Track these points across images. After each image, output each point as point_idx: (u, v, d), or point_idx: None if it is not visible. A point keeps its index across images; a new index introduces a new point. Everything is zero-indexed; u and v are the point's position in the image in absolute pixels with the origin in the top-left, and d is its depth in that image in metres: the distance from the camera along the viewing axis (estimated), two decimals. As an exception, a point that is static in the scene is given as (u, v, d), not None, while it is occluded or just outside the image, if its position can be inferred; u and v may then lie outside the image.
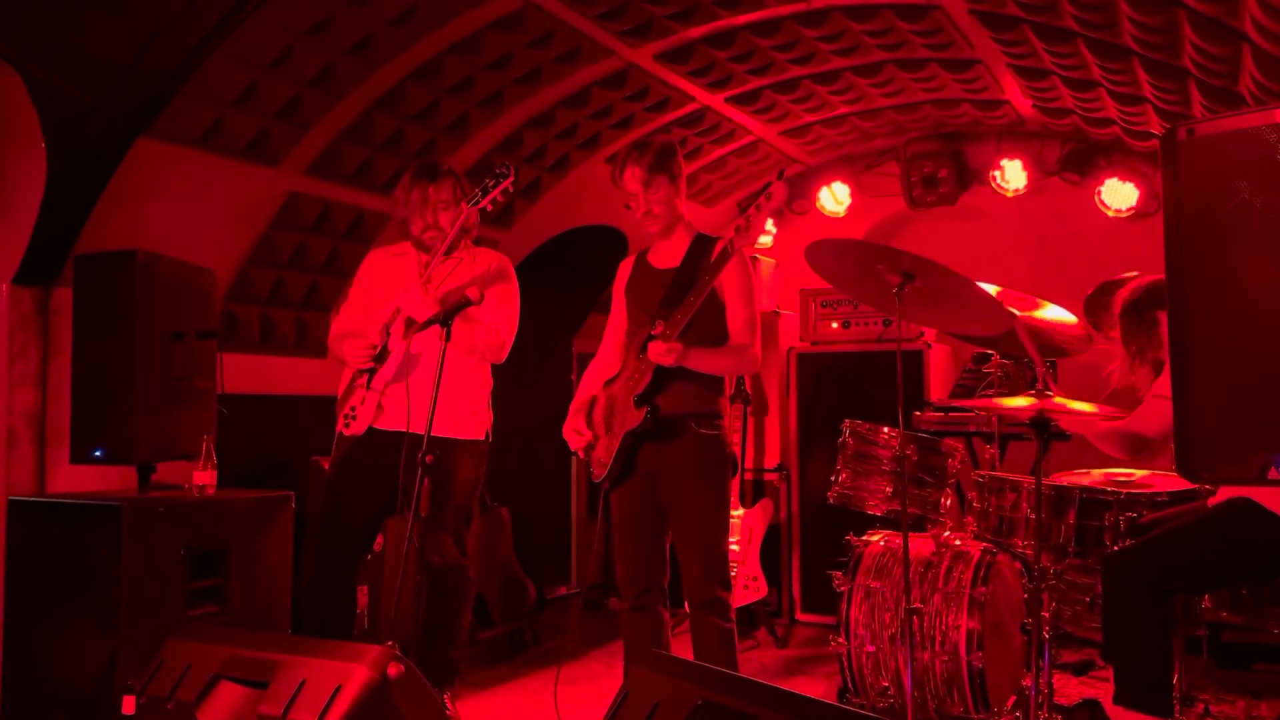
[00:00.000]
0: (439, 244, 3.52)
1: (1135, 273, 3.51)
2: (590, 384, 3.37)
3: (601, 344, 3.46)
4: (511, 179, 3.42)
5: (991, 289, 3.14)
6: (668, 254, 3.29)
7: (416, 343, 3.47)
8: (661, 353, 2.99)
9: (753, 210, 2.94)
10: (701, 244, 3.23)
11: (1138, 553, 2.94)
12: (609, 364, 3.36)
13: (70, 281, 3.54)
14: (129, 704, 2.49)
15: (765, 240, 6.58)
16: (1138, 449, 3.24)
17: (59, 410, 3.62)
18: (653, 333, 3.01)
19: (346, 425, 3.59)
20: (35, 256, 3.56)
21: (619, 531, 3.26)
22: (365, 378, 3.57)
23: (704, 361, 3.09)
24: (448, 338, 3.15)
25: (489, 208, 3.47)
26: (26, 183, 3.44)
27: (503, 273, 3.65)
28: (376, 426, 3.53)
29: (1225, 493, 2.89)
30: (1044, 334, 3.50)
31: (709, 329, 3.12)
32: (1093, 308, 3.76)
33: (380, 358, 3.54)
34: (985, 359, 4.55)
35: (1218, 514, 2.90)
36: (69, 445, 3.50)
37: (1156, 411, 3.12)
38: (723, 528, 3.19)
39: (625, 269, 3.42)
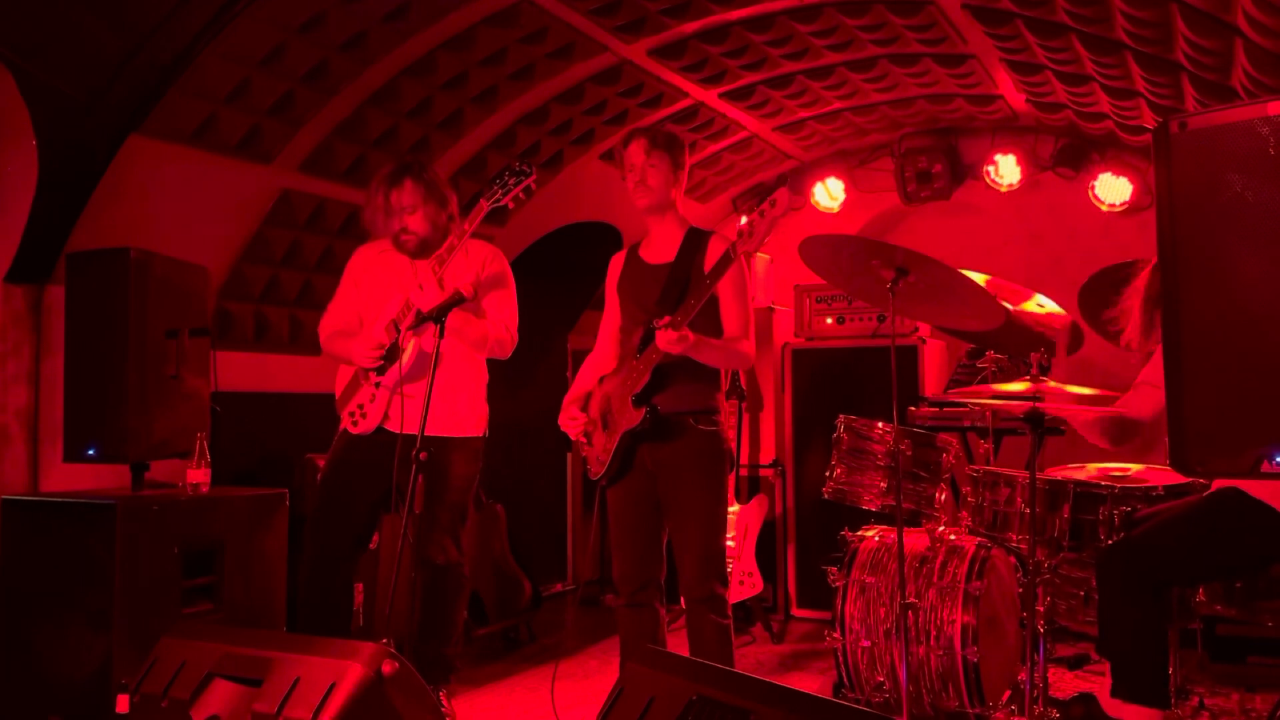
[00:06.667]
0: (431, 244, 3.52)
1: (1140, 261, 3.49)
2: (586, 379, 3.37)
3: (597, 340, 3.45)
4: (533, 177, 3.41)
5: (980, 278, 3.14)
6: (661, 248, 3.28)
7: (431, 342, 3.43)
8: (672, 340, 2.92)
9: (755, 217, 2.93)
10: (694, 239, 3.22)
11: (1130, 545, 2.95)
12: (605, 359, 3.36)
13: (63, 279, 3.53)
14: (123, 702, 2.49)
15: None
16: (1125, 436, 3.24)
17: (52, 408, 3.61)
18: (657, 324, 2.96)
19: (354, 423, 3.57)
20: (27, 254, 3.55)
21: (615, 528, 3.26)
22: (373, 375, 3.55)
23: (706, 353, 3.09)
24: (441, 334, 3.15)
25: (510, 205, 3.45)
26: (18, 180, 3.42)
27: (501, 271, 3.64)
28: (386, 427, 3.51)
29: (1219, 485, 2.90)
30: (1036, 328, 3.51)
31: (703, 325, 3.11)
32: (1093, 298, 3.74)
33: (390, 355, 3.51)
34: (979, 354, 4.56)
35: (1207, 505, 2.91)
36: (62, 444, 3.49)
37: (1145, 399, 3.12)
38: (720, 524, 3.19)
39: (616, 264, 3.41)
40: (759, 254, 5.84)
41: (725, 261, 2.98)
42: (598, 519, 3.26)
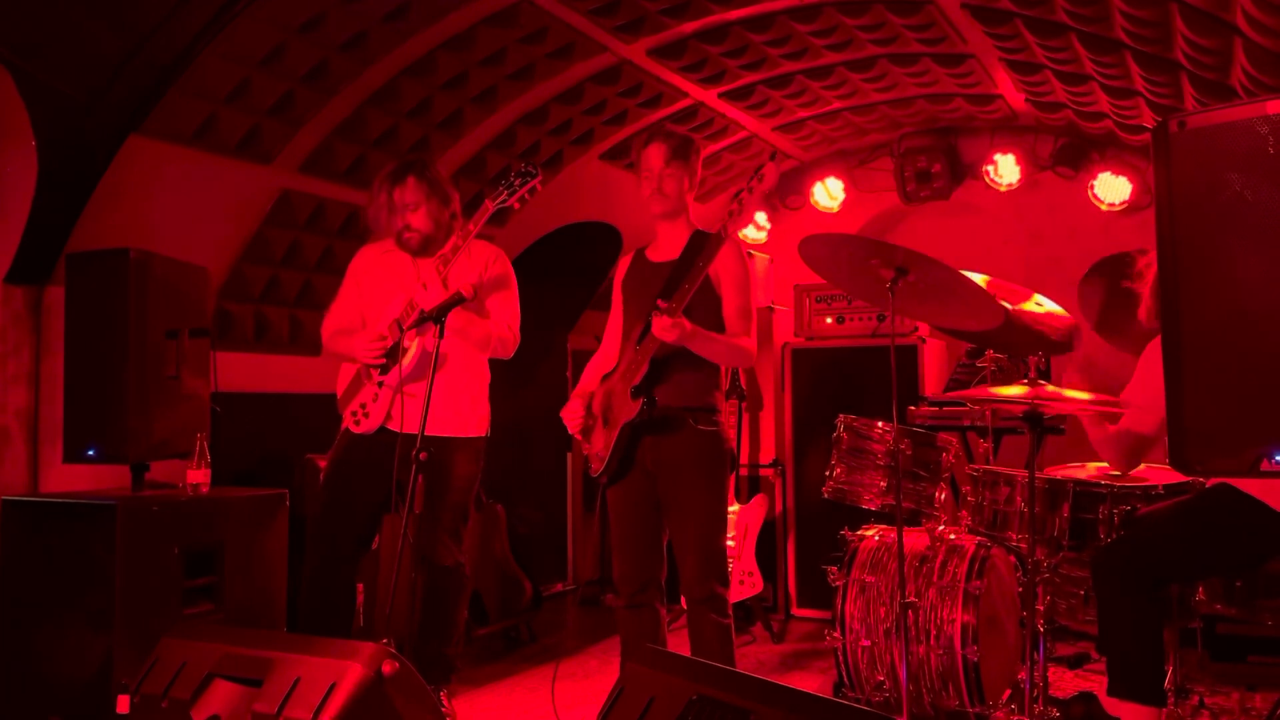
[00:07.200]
0: (434, 242, 3.53)
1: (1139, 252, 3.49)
2: (591, 378, 3.37)
3: (603, 340, 3.46)
4: (539, 178, 3.41)
5: (980, 278, 3.14)
6: (666, 248, 3.29)
7: (435, 342, 3.42)
8: (666, 327, 2.91)
9: (745, 193, 2.94)
10: (698, 240, 3.23)
11: (1125, 544, 2.95)
12: (610, 359, 3.36)
13: (63, 280, 3.53)
14: (124, 703, 2.49)
15: (760, 236, 6.58)
16: (1137, 453, 3.22)
17: (52, 409, 3.61)
18: (659, 306, 2.96)
19: (356, 423, 3.57)
20: (27, 255, 3.55)
21: (616, 528, 3.26)
22: (376, 373, 3.55)
23: (704, 345, 3.08)
24: (441, 334, 3.15)
25: (516, 206, 3.45)
26: (18, 181, 3.42)
27: (504, 272, 3.64)
28: (389, 427, 3.50)
29: (1213, 482, 2.90)
30: (1036, 328, 3.51)
31: (705, 320, 3.11)
32: (1091, 293, 3.74)
33: (391, 354, 3.51)
34: (979, 354, 4.56)
35: (1201, 502, 2.91)
36: (62, 444, 3.49)
37: (1139, 417, 3.12)
38: (721, 524, 3.19)
39: (623, 265, 3.43)
40: (760, 254, 5.84)
41: (717, 241, 2.99)
42: (599, 519, 3.26)
